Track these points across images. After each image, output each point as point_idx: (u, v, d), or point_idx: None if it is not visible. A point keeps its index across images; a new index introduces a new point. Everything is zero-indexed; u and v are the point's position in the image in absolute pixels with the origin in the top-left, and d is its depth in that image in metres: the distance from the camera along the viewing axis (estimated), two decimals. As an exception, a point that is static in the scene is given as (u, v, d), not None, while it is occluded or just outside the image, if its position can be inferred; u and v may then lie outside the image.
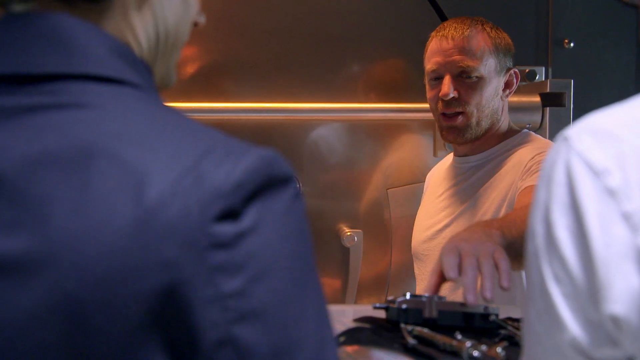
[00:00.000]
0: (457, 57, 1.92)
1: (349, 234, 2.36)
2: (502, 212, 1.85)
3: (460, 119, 1.94)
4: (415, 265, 2.10)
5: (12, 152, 0.77)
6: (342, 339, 1.26)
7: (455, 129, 1.95)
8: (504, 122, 2.01)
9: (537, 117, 2.32)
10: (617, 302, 0.78)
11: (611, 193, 0.79)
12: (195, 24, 0.99)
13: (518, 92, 2.36)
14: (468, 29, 1.94)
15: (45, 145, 0.76)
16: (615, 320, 0.79)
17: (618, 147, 0.81)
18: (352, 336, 1.28)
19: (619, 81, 2.44)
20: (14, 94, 0.80)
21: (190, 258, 0.73)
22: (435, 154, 2.42)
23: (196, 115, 2.31)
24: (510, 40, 2.00)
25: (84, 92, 0.78)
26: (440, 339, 1.26)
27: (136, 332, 0.74)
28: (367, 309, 1.47)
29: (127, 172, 0.74)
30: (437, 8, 2.40)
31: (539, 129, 2.33)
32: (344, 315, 1.46)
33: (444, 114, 1.96)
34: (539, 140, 1.96)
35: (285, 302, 0.77)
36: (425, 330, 1.30)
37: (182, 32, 0.94)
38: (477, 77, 1.92)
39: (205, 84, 2.41)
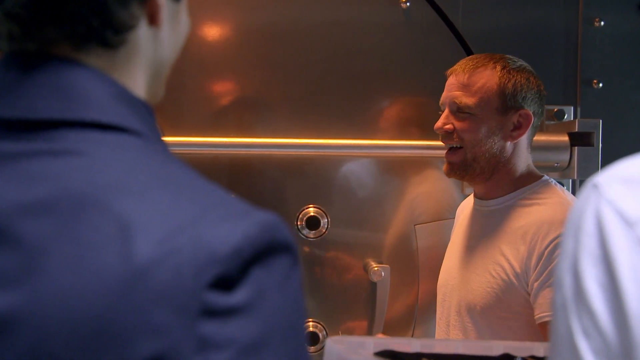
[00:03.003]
0: (455, 93, 1.92)
1: (376, 268, 2.32)
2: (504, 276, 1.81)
3: (458, 154, 1.93)
4: (438, 299, 2.08)
5: (6, 198, 0.73)
6: None
7: (452, 163, 1.95)
8: (519, 165, 1.94)
9: (565, 157, 2.27)
10: None
11: None
12: None
13: (547, 131, 2.35)
14: (476, 65, 1.93)
15: (39, 193, 0.72)
16: None
17: None
18: None
19: None
20: (11, 138, 0.76)
21: (181, 324, 0.69)
22: (463, 191, 2.38)
23: (226, 150, 2.35)
24: (525, 81, 1.93)
25: (82, 139, 0.75)
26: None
27: None
28: (387, 341, 1.44)
29: (119, 225, 0.70)
30: (465, 46, 2.39)
31: (567, 168, 2.28)
32: (363, 347, 1.43)
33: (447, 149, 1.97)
34: (557, 197, 1.88)
35: None
36: None
37: (174, 56, 0.92)
38: (469, 113, 1.90)
39: (236, 119, 2.42)
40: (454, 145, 1.94)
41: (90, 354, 0.69)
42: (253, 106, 2.42)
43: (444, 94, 1.97)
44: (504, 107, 1.90)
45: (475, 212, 2.03)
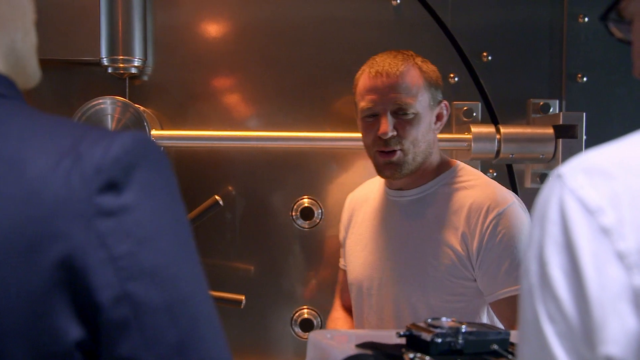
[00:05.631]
0: (393, 95, 1.84)
1: None
2: (450, 254, 1.81)
3: (397, 154, 1.86)
4: (354, 293, 2.02)
5: None
6: None
7: (393, 164, 1.87)
8: (436, 153, 1.95)
9: (550, 148, 2.29)
10: (613, 343, 0.75)
11: (605, 232, 0.76)
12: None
13: (533, 124, 2.34)
14: (402, 64, 1.86)
15: None
16: None
17: (612, 185, 0.78)
18: None
19: (630, 114, 2.40)
20: None
21: (79, 227, 0.78)
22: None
23: (222, 144, 2.39)
24: (439, 73, 1.94)
25: None
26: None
27: (41, 301, 0.78)
28: (370, 334, 1.44)
29: (6, 161, 0.80)
30: (454, 42, 2.40)
31: (552, 160, 2.30)
32: (346, 340, 1.44)
33: (380, 151, 1.88)
34: (480, 178, 1.91)
35: (173, 261, 0.83)
36: (427, 358, 1.28)
37: (29, 40, 0.98)
38: (413, 113, 1.84)
39: (233, 112, 2.44)
40: (395, 148, 1.87)
41: (7, 265, 0.78)
42: (249, 100, 2.43)
43: (376, 98, 1.86)
44: (433, 101, 1.89)
45: (391, 203, 1.99)
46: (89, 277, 0.78)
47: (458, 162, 1.99)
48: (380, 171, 1.92)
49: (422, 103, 1.86)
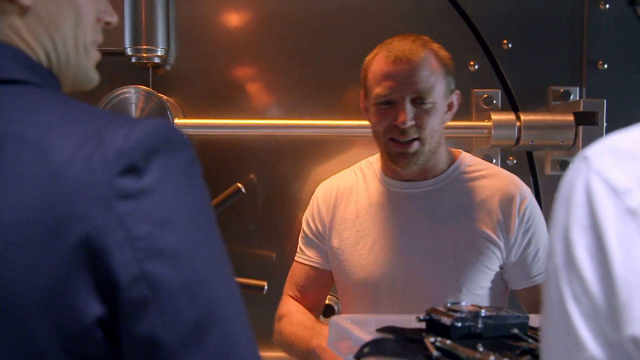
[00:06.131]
0: (413, 83, 1.75)
1: None
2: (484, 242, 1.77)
3: (415, 145, 1.77)
4: (367, 294, 1.87)
5: None
6: (366, 349, 1.25)
7: (408, 155, 1.78)
8: (444, 144, 1.88)
9: (570, 135, 2.29)
10: (638, 324, 0.75)
11: (632, 213, 0.77)
12: (107, 24, 1.05)
13: (553, 111, 2.34)
14: (423, 51, 1.77)
15: None
16: (636, 342, 0.75)
17: (638, 167, 0.78)
18: (376, 347, 1.27)
19: None
20: None
21: (99, 208, 0.80)
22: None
23: (244, 132, 2.41)
24: (452, 61, 1.85)
25: None
26: (463, 351, 1.26)
27: (62, 280, 0.80)
28: (390, 319, 1.45)
29: (33, 147, 0.82)
30: (475, 30, 2.40)
31: (572, 147, 2.31)
32: (367, 325, 1.45)
33: (393, 139, 1.79)
34: (492, 166, 1.89)
35: (191, 244, 0.84)
36: (448, 342, 1.30)
37: (83, 34, 0.99)
38: (431, 103, 1.76)
39: (254, 101, 2.46)
40: (413, 137, 1.78)
41: (31, 246, 0.80)
42: (270, 89, 2.45)
43: (391, 85, 1.76)
44: (447, 90, 1.81)
45: (399, 196, 1.88)
46: (108, 257, 0.80)
47: (461, 150, 1.95)
48: (393, 160, 1.82)
49: (439, 92, 1.78)
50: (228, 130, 2.39)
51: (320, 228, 1.95)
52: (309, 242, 1.97)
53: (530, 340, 1.31)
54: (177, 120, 2.29)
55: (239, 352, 0.87)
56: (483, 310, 1.34)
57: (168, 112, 2.26)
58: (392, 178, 1.89)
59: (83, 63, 1.01)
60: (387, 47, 1.80)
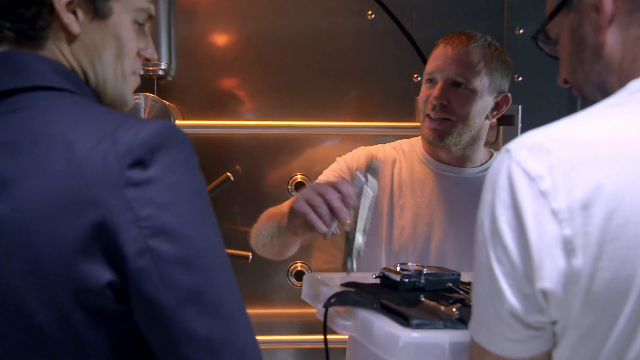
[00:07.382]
0: (454, 66, 1.74)
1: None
2: None
3: (444, 124, 1.77)
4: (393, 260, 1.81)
5: None
6: (333, 300, 1.27)
7: (437, 131, 1.77)
8: (484, 140, 1.86)
9: (493, 133, 2.39)
10: (547, 280, 0.78)
11: (543, 194, 0.79)
12: (147, 60, 1.08)
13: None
14: (473, 42, 1.75)
15: (6, 137, 0.89)
16: (545, 294, 0.79)
17: (549, 158, 0.80)
18: (340, 297, 1.28)
19: (556, 107, 2.52)
20: None
21: (112, 195, 0.83)
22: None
23: (233, 131, 2.50)
24: (511, 65, 1.82)
25: (32, 98, 0.92)
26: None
27: (80, 251, 0.82)
28: (352, 276, 1.46)
29: (62, 143, 0.85)
30: (418, 50, 2.53)
31: (494, 143, 2.38)
32: (332, 281, 1.48)
33: (429, 116, 1.78)
34: None
35: (188, 223, 0.85)
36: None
37: (122, 63, 1.02)
38: (469, 89, 1.73)
39: (239, 105, 2.54)
40: (444, 117, 1.75)
41: (56, 223, 0.83)
42: (253, 95, 2.53)
43: (436, 65, 1.75)
44: (493, 87, 1.77)
45: (446, 178, 1.83)
46: (118, 234, 0.82)
47: (493, 150, 1.91)
48: (424, 135, 1.79)
49: (483, 84, 1.74)
50: (219, 130, 2.48)
51: (351, 171, 1.84)
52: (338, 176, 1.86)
53: (461, 292, 1.35)
54: (177, 122, 2.38)
55: (229, 309, 0.88)
56: (425, 269, 1.38)
57: (170, 115, 2.36)
58: (437, 160, 1.85)
59: (120, 88, 1.04)
60: (447, 37, 1.79)
